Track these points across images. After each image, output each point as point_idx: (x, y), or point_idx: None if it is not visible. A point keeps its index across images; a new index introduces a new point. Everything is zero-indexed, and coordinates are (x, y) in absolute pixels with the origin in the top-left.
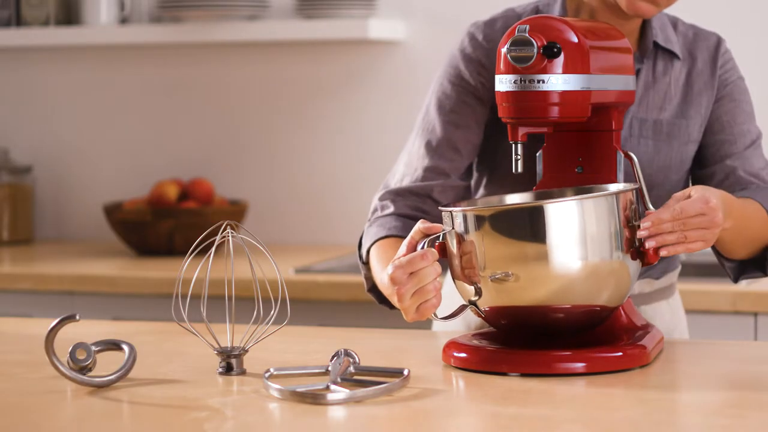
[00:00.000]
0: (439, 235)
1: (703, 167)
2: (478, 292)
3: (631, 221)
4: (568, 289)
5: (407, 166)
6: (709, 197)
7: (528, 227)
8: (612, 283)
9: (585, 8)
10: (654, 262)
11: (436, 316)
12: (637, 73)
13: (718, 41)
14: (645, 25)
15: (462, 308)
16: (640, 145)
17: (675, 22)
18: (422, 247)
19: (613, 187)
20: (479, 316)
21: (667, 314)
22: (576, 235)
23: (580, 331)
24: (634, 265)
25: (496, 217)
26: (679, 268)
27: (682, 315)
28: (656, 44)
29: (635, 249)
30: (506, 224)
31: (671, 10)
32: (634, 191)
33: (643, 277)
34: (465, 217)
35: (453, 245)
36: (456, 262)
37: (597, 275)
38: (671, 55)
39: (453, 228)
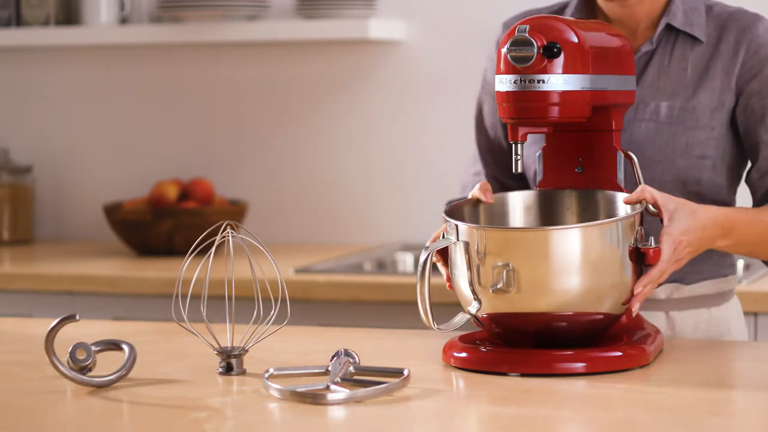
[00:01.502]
0: (443, 243)
1: (750, 177)
2: (479, 303)
3: (635, 244)
4: (568, 303)
5: (463, 171)
6: (681, 251)
7: (531, 249)
8: (614, 297)
9: (599, 9)
10: (654, 263)
11: (435, 325)
12: (652, 55)
13: (752, 22)
14: (666, 9)
15: (461, 318)
16: (641, 128)
17: (711, 5)
18: (425, 257)
19: (619, 201)
20: (478, 326)
21: (703, 324)
22: (579, 259)
23: (581, 341)
24: (637, 277)
25: (500, 236)
26: (730, 277)
27: (732, 327)
28: (675, 28)
29: (635, 249)
30: (510, 243)
31: None
32: (640, 214)
33: (669, 281)
34: (469, 231)
35: (455, 255)
36: (457, 272)
37: (598, 292)
38: (693, 39)
39: (458, 239)
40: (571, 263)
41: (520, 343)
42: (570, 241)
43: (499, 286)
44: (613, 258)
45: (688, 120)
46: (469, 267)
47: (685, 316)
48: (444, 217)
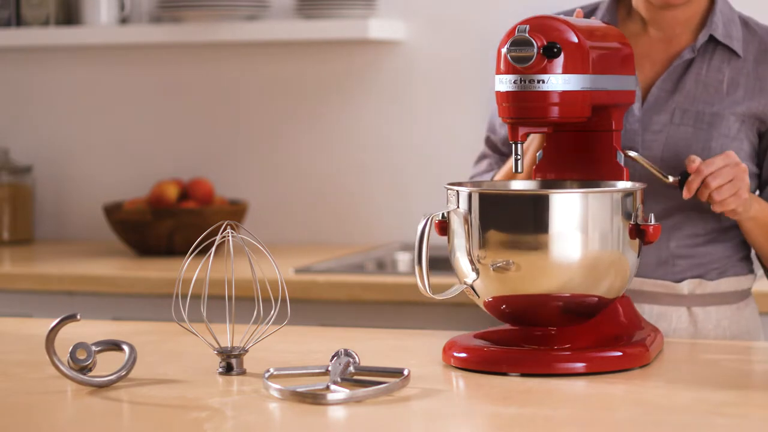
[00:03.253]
0: (442, 213)
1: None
2: (476, 273)
3: (635, 221)
4: (566, 278)
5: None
6: (742, 171)
7: (531, 214)
8: (611, 275)
9: (633, 11)
10: (653, 240)
11: (431, 293)
12: (690, 63)
13: None
14: (707, 19)
15: (457, 287)
16: (679, 131)
17: (746, 19)
18: (424, 224)
19: (621, 185)
20: (474, 297)
21: (725, 320)
22: (578, 227)
23: (575, 320)
24: (634, 259)
25: (500, 200)
26: (750, 276)
27: (753, 324)
28: (715, 39)
29: (635, 226)
30: (509, 208)
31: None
32: (641, 191)
33: (692, 276)
34: (469, 197)
35: (454, 224)
36: (456, 241)
37: (596, 267)
38: (731, 51)
39: (457, 206)
40: (571, 230)
41: (515, 317)
42: (569, 207)
43: (499, 264)
44: (614, 231)
45: (723, 128)
46: (468, 237)
47: (708, 312)
48: (444, 186)
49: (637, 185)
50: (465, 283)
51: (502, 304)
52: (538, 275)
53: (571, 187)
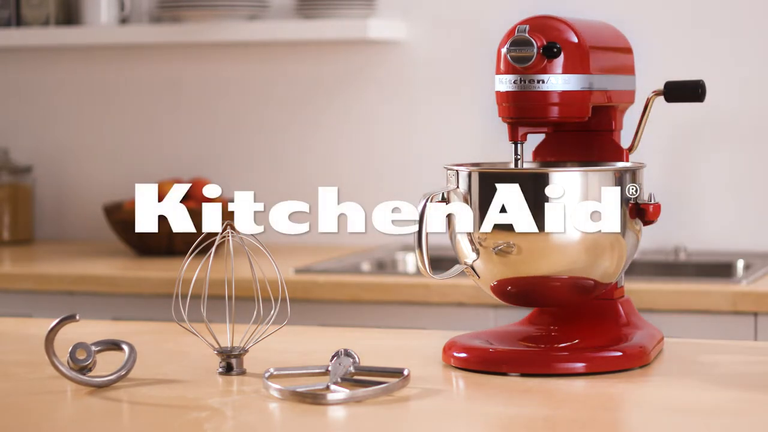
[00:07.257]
0: (441, 193)
1: None
2: (476, 254)
3: (635, 200)
4: (564, 258)
5: None
6: None
7: (531, 193)
8: (607, 262)
9: None
10: (654, 220)
11: (431, 274)
12: None
13: None
14: None
15: (457, 268)
16: None
17: None
18: (423, 204)
19: (621, 164)
20: (475, 277)
21: None
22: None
23: (569, 301)
24: (633, 241)
25: (499, 179)
26: None
27: None
28: None
29: (635, 204)
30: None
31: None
32: (641, 170)
33: None
34: (469, 177)
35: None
36: (456, 221)
37: (597, 249)
38: None
39: (457, 187)
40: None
41: (513, 297)
42: (570, 185)
43: (500, 247)
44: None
45: None
46: None
47: None
48: (444, 166)
49: (638, 164)
50: (465, 264)
51: (502, 283)
52: (536, 253)
53: (572, 167)
